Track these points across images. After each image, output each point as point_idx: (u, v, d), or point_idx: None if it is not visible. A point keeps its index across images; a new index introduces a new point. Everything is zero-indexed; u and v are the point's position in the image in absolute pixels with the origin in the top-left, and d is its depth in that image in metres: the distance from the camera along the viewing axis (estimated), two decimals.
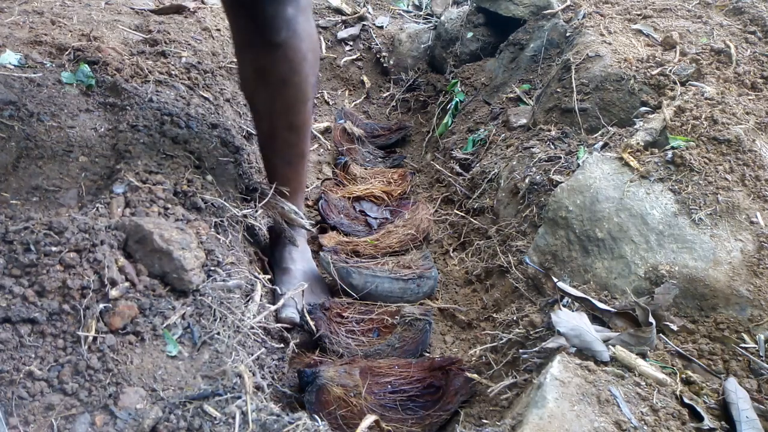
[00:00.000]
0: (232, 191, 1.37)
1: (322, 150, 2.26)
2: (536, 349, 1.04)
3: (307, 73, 1.26)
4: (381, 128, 2.43)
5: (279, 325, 1.26)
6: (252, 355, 1.06)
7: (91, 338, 0.89)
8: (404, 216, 1.80)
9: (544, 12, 2.09)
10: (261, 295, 1.23)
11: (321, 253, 1.52)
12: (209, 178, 1.29)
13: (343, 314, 1.40)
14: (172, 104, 1.42)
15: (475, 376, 1.17)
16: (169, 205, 1.13)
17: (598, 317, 1.07)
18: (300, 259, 1.49)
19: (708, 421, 0.89)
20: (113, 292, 0.93)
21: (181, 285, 1.01)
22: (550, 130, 1.56)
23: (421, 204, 1.83)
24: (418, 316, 1.34)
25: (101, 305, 0.91)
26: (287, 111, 1.30)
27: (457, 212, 1.74)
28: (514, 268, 1.34)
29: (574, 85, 1.52)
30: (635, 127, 1.33)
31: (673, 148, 1.20)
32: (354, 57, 2.73)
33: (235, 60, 1.35)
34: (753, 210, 1.11)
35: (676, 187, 1.15)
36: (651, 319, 1.02)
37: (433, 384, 1.21)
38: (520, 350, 1.10)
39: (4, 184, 1.12)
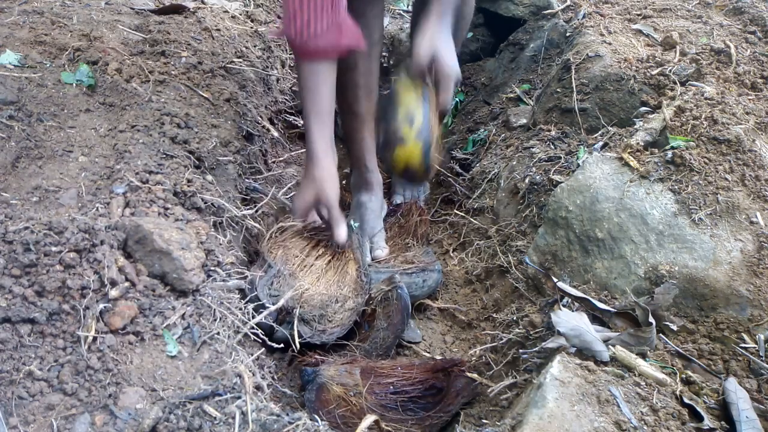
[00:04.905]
0: (232, 191, 1.37)
1: None
2: (536, 349, 1.04)
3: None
4: None
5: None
6: (252, 355, 1.06)
7: (91, 338, 0.89)
8: (398, 217, 1.78)
9: (544, 12, 2.09)
10: None
11: None
12: (209, 178, 1.29)
13: None
14: (172, 104, 1.42)
15: (476, 376, 1.17)
16: (169, 205, 1.13)
17: (598, 317, 1.07)
18: (376, 200, 1.71)
19: (708, 421, 0.88)
20: (113, 292, 0.93)
21: (181, 285, 1.01)
22: (550, 130, 1.56)
23: (414, 206, 1.80)
24: (387, 288, 1.34)
25: (101, 305, 0.91)
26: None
27: (457, 212, 1.74)
28: (514, 268, 1.34)
29: (574, 85, 1.52)
30: (635, 127, 1.33)
31: (673, 148, 1.20)
32: None
33: (371, 51, 1.58)
34: (753, 210, 1.11)
35: (676, 187, 1.15)
36: (651, 319, 1.02)
37: (434, 385, 1.21)
38: (520, 350, 1.10)
39: (4, 184, 1.12)
